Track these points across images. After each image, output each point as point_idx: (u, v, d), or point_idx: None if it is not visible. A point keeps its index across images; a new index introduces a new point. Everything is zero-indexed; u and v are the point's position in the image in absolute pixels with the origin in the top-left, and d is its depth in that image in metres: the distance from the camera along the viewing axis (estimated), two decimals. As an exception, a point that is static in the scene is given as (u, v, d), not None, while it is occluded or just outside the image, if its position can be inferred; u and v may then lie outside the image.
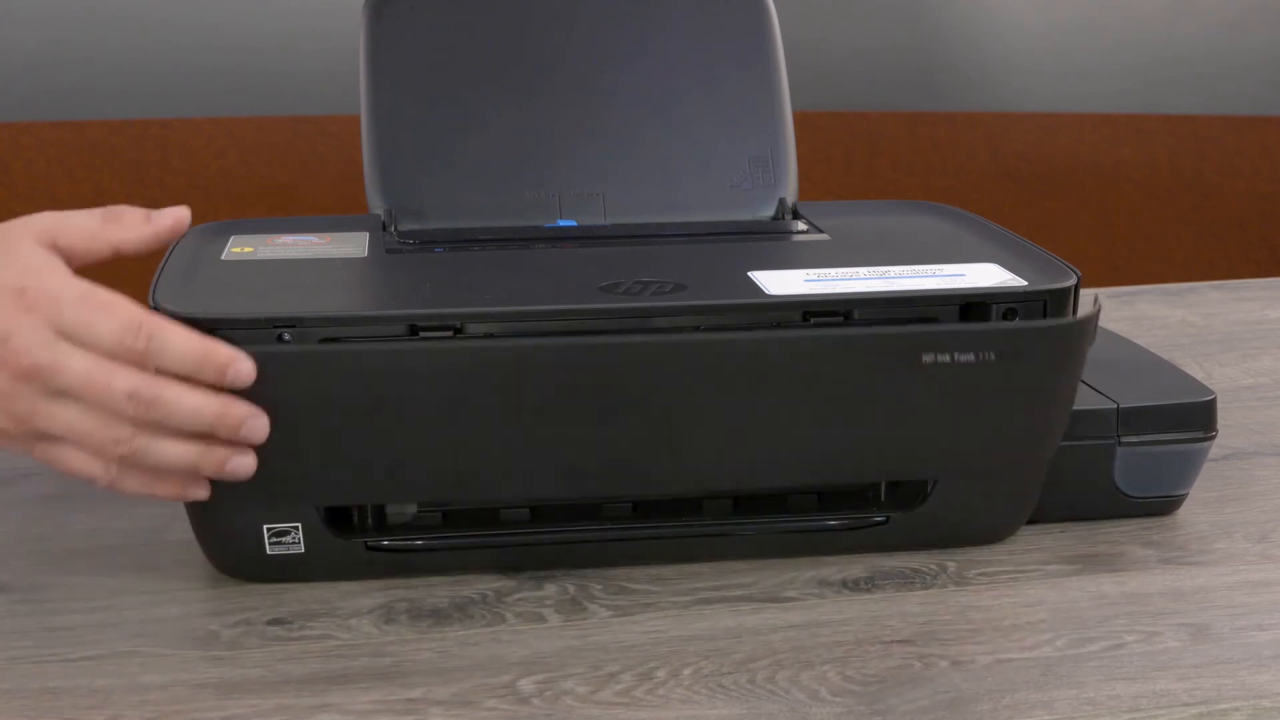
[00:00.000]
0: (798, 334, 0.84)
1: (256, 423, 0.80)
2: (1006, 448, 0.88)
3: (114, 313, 0.78)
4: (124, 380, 0.78)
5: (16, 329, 0.77)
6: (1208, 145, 2.60)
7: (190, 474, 0.81)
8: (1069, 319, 0.86)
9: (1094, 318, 0.86)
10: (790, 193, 1.02)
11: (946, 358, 0.83)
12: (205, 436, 0.80)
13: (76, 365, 0.77)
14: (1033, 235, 0.99)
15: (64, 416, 0.78)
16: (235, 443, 0.80)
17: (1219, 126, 2.60)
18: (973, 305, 0.86)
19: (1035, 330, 0.84)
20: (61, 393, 0.78)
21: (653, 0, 1.04)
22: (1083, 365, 0.87)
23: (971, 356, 0.84)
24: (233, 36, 2.39)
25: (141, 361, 0.78)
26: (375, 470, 0.83)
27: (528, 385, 0.82)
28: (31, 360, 0.77)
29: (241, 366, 0.79)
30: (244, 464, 0.81)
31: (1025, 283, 0.87)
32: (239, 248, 0.93)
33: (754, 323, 0.85)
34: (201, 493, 0.82)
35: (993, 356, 0.84)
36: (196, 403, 0.78)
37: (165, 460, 0.80)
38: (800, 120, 1.04)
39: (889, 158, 2.56)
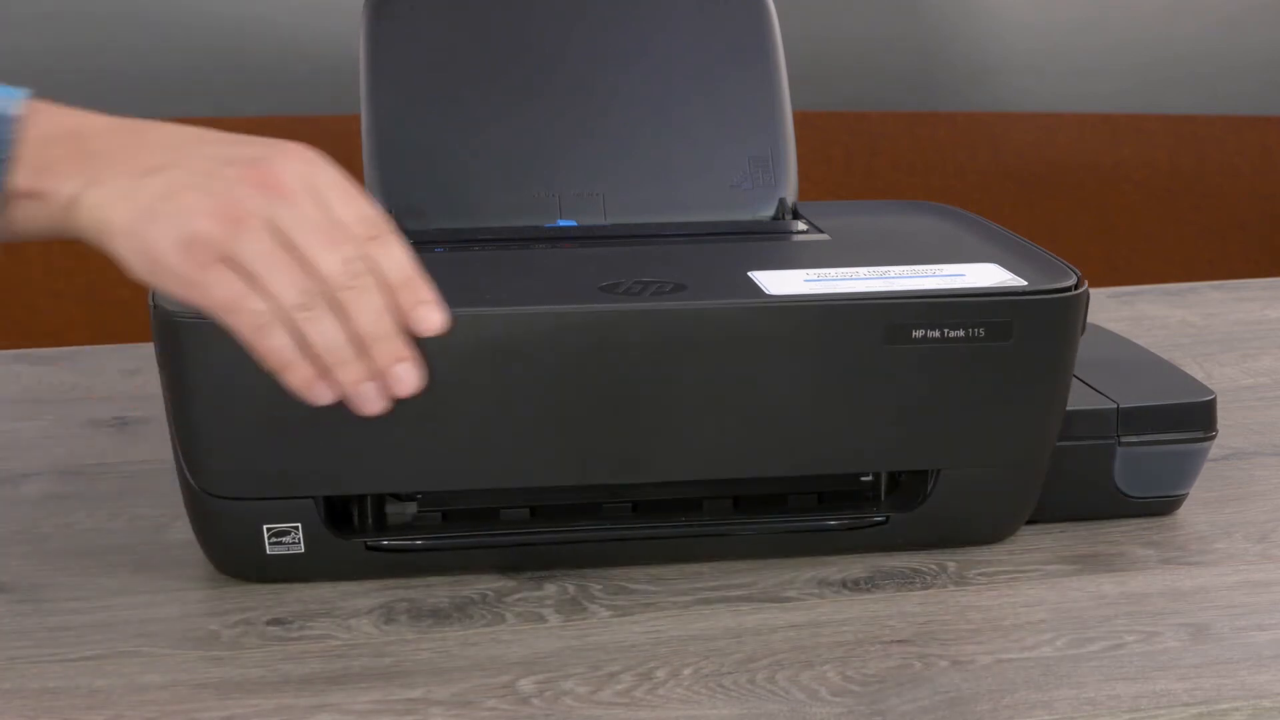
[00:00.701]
0: (784, 300, 0.84)
1: (411, 371, 0.79)
2: (1001, 436, 0.88)
3: (365, 202, 0.79)
4: (351, 247, 0.77)
5: (280, 154, 0.77)
6: (1208, 145, 2.60)
7: (328, 374, 0.79)
8: (1055, 291, 0.86)
9: (1083, 296, 0.86)
10: (790, 193, 1.02)
11: (936, 333, 0.84)
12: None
13: (315, 211, 0.77)
14: (1033, 235, 0.99)
15: (271, 245, 0.76)
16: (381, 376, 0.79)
17: (1219, 126, 2.59)
18: None
19: (1023, 303, 0.85)
20: (282, 225, 0.76)
21: (653, 0, 1.04)
22: (1075, 348, 0.87)
23: (961, 333, 0.84)
24: (233, 36, 2.39)
25: (365, 249, 0.78)
26: (372, 454, 0.83)
27: (520, 360, 0.82)
28: (282, 178, 0.76)
29: (434, 313, 0.78)
30: (374, 398, 0.79)
31: (1025, 283, 0.87)
32: (239, 248, 0.93)
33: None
34: (323, 397, 0.79)
35: (981, 333, 0.84)
36: (383, 306, 0.78)
37: (327, 338, 0.77)
38: (800, 120, 1.04)
39: (889, 158, 2.56)
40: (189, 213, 0.75)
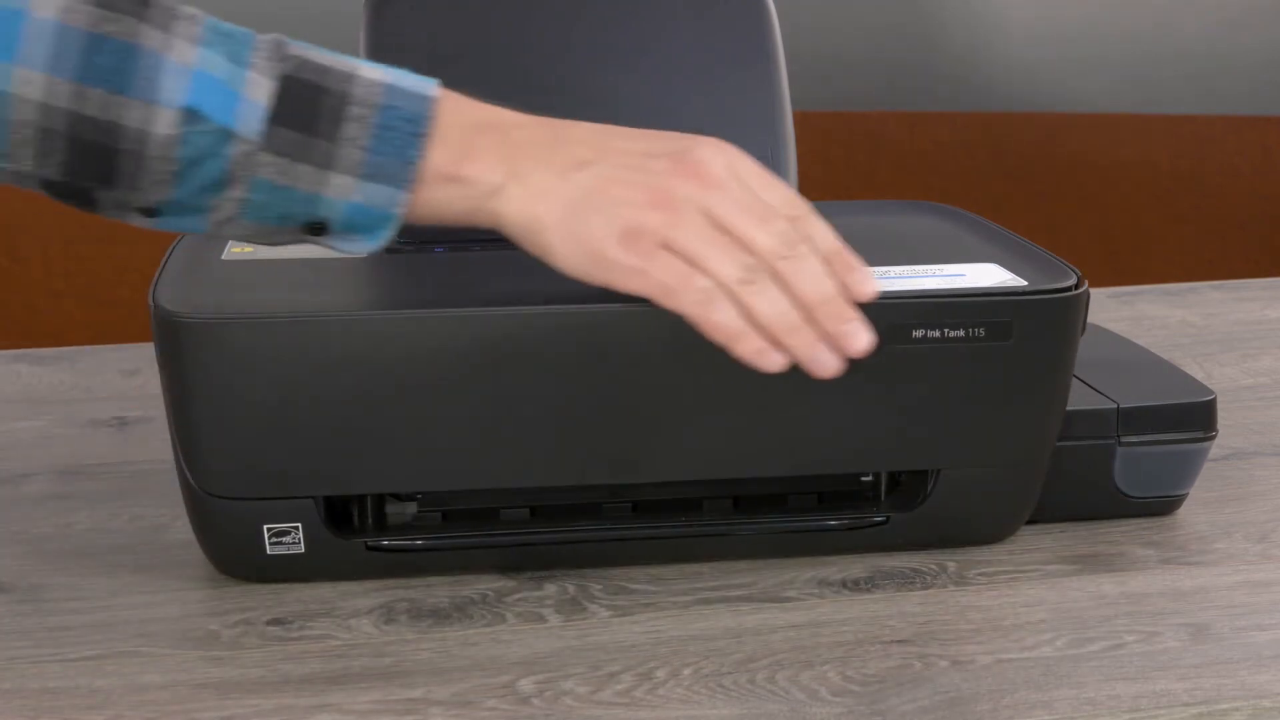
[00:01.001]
0: None
1: (861, 329, 0.80)
2: (1001, 436, 0.88)
3: (784, 186, 0.81)
4: (781, 223, 0.79)
5: (700, 146, 0.80)
6: (1208, 145, 2.60)
7: (779, 342, 0.80)
8: (1055, 291, 0.86)
9: (1083, 296, 0.86)
10: (790, 193, 1.02)
11: (936, 333, 0.84)
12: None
13: (743, 195, 0.79)
14: (1033, 235, 0.99)
15: (707, 228, 0.78)
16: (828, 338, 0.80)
17: (1219, 126, 2.60)
18: None
19: (1023, 303, 0.85)
20: (714, 210, 0.78)
21: (653, 0, 1.04)
22: (1075, 348, 0.87)
23: (961, 333, 0.84)
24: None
25: (793, 225, 0.80)
26: (372, 454, 0.83)
27: (520, 360, 0.82)
28: (707, 168, 0.79)
29: (868, 280, 0.80)
30: (829, 360, 0.80)
31: (1025, 283, 0.87)
32: (239, 247, 0.93)
33: None
34: (775, 364, 0.80)
35: (981, 333, 0.84)
36: (822, 270, 0.79)
37: (774, 307, 0.79)
38: (800, 120, 1.04)
39: (889, 158, 2.56)
40: (624, 204, 0.78)
